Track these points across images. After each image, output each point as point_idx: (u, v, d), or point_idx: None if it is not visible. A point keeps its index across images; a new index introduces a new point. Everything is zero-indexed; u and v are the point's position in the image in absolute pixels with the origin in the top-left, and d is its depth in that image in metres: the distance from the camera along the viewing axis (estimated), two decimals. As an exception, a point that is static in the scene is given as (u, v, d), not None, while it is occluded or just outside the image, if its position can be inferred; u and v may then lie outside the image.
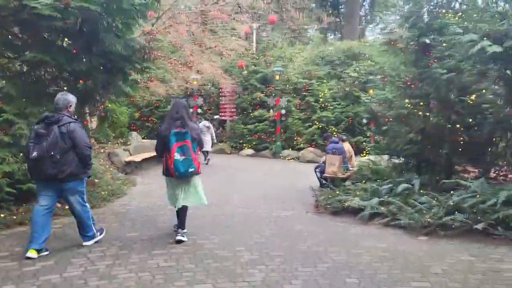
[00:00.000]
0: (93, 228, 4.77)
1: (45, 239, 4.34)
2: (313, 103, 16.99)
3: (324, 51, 19.18)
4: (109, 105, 7.71)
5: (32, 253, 4.19)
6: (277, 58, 18.70)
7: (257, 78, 17.87)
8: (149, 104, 18.24)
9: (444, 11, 6.52)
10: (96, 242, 4.75)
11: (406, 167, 7.38)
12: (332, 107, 16.89)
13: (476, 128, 6.71)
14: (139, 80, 8.02)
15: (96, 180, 7.61)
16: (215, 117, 18.56)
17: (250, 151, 17.09)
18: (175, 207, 5.03)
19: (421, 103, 6.73)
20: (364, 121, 16.78)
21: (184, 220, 5.01)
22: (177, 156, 4.68)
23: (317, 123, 16.59)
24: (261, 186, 9.80)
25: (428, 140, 6.69)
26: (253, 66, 18.33)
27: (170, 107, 5.63)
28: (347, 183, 8.48)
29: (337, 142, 9.38)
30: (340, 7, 29.16)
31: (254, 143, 17.27)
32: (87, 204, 4.74)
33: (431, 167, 6.97)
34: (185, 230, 4.99)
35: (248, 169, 12.71)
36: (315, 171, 9.54)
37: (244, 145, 17.44)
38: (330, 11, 23.92)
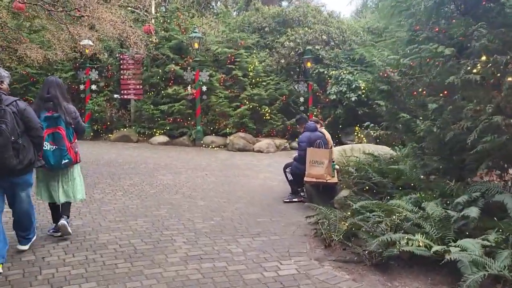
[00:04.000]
0: (35, 229, 4.02)
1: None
2: (241, 78, 13.85)
3: (251, 15, 15.96)
4: None
5: None
6: (193, 24, 15.02)
7: (170, 47, 14.09)
8: (24, 78, 13.47)
9: None
10: None
11: (459, 170, 4.58)
12: (265, 83, 13.91)
13: None
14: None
15: None
16: (115, 96, 14.45)
17: (164, 138, 13.52)
18: (50, 202, 4.34)
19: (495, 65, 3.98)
20: (301, 99, 14.21)
21: (69, 211, 4.36)
22: (47, 145, 4.01)
23: (247, 102, 13.52)
24: (205, 199, 6.45)
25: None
26: (163, 32, 14.47)
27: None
28: (344, 193, 5.56)
29: (315, 129, 6.40)
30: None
31: (168, 128, 13.72)
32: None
33: None
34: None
35: (170, 166, 9.19)
36: (285, 172, 6.48)
37: (155, 130, 13.76)
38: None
